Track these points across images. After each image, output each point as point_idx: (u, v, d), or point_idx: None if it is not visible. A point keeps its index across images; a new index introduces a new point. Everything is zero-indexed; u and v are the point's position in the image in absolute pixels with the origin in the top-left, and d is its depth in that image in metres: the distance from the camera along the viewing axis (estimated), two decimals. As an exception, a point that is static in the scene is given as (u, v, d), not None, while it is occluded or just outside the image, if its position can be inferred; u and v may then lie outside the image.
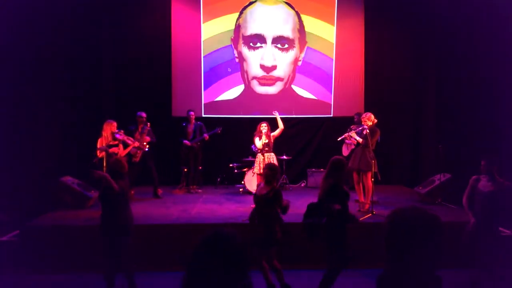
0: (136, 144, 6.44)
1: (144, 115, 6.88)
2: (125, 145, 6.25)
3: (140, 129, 6.78)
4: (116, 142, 6.00)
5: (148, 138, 6.74)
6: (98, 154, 5.76)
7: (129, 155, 6.57)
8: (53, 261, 4.90)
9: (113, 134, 5.92)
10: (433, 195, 6.48)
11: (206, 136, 7.31)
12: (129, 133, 6.57)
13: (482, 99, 6.96)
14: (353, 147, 7.23)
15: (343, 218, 3.83)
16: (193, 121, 7.44)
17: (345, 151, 7.64)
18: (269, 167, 4.31)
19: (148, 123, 6.80)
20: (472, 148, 6.82)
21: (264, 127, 6.30)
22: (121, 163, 4.18)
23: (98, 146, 5.86)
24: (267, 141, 6.25)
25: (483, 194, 4.13)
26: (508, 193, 4.00)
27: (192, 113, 7.47)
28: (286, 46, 8.49)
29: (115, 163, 4.19)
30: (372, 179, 5.79)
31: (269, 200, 4.05)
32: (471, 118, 7.10)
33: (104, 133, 5.91)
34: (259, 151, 6.34)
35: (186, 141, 7.29)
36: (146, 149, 6.69)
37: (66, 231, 5.15)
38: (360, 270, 4.71)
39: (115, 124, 6.02)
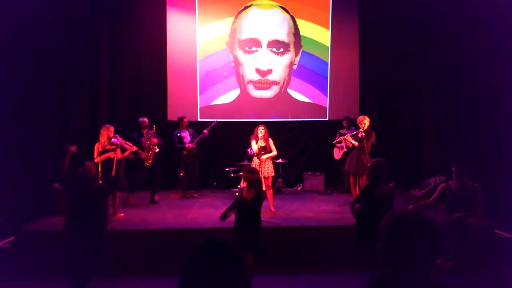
0: (134, 148, 6.41)
1: (146, 120, 6.87)
2: (123, 150, 6.23)
3: (145, 134, 6.78)
4: (113, 147, 5.97)
5: (155, 140, 6.75)
6: (95, 159, 5.73)
7: (141, 160, 6.58)
8: (48, 267, 4.85)
9: (109, 138, 5.88)
10: (428, 197, 6.48)
11: (205, 132, 7.30)
12: (135, 141, 6.56)
13: (481, 100, 6.98)
14: (345, 150, 7.26)
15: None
16: (186, 127, 7.43)
17: (337, 155, 7.67)
18: (247, 170, 4.27)
19: (154, 126, 6.79)
20: (470, 150, 6.85)
21: (261, 131, 6.24)
22: (88, 168, 4.22)
23: (95, 151, 5.83)
24: (264, 144, 6.20)
25: (456, 197, 4.37)
26: (479, 194, 4.31)
27: (185, 120, 7.46)
28: (282, 50, 8.52)
29: (84, 169, 4.22)
30: (368, 182, 5.79)
31: (256, 204, 4.06)
32: (470, 120, 7.12)
33: (101, 138, 5.89)
34: (255, 154, 6.31)
35: (188, 145, 7.27)
36: (157, 151, 6.70)
37: (60, 236, 5.10)
38: (357, 273, 4.69)
39: (112, 128, 5.99)
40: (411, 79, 8.30)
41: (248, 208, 4.06)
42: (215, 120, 7.50)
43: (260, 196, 4.10)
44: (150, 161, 6.64)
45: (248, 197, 4.09)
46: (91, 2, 7.66)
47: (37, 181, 6.41)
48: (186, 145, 7.27)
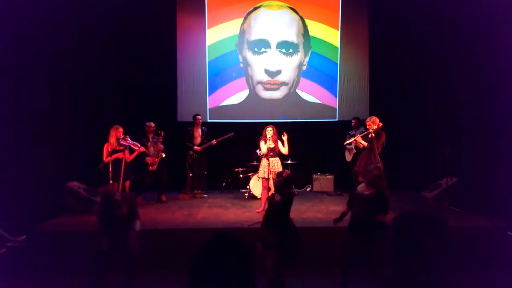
0: (142, 149, 6.47)
1: (153, 124, 6.95)
2: (131, 151, 6.29)
3: (151, 139, 6.84)
4: (122, 148, 6.03)
5: (162, 146, 6.82)
6: (104, 159, 5.80)
7: (146, 164, 6.64)
8: (59, 266, 4.91)
9: (118, 139, 5.94)
10: (440, 199, 6.43)
11: (214, 142, 7.34)
12: (141, 144, 6.63)
13: (489, 100, 6.89)
14: (354, 151, 7.21)
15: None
16: (200, 125, 7.48)
17: (348, 157, 7.63)
18: (278, 175, 4.28)
19: (162, 132, 6.88)
20: (479, 151, 6.76)
21: (269, 131, 6.23)
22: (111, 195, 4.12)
23: (105, 151, 5.91)
24: (272, 145, 6.19)
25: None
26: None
27: (199, 117, 7.51)
28: (291, 50, 8.51)
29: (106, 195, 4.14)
30: (378, 183, 5.74)
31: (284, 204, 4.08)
32: (479, 120, 7.04)
33: (110, 139, 5.96)
34: (264, 155, 6.30)
35: (196, 147, 7.32)
36: (163, 156, 6.77)
37: (72, 236, 5.17)
38: (365, 275, 4.66)
39: (121, 129, 6.05)
40: (421, 79, 8.22)
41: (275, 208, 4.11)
42: (231, 133, 7.49)
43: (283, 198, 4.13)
44: (155, 166, 6.69)
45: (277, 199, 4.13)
46: (101, 3, 7.73)
47: (48, 181, 6.50)
48: (195, 147, 7.31)
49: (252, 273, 1.35)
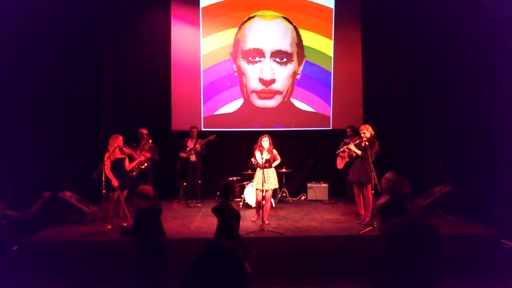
0: (142, 158, 6.47)
1: (145, 131, 6.95)
2: (131, 159, 6.27)
3: (141, 146, 6.83)
4: (123, 156, 6.00)
5: (148, 155, 6.77)
6: (106, 170, 5.73)
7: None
8: (51, 277, 4.84)
9: (120, 148, 5.91)
10: (433, 207, 6.45)
11: (198, 146, 7.33)
12: (132, 149, 6.63)
13: (482, 110, 6.97)
14: (347, 159, 7.23)
15: None
16: (195, 137, 7.48)
17: (340, 164, 7.65)
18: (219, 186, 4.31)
19: (150, 140, 6.87)
20: (473, 159, 6.82)
21: (265, 142, 6.09)
22: (146, 189, 4.09)
23: (105, 160, 5.84)
24: (268, 157, 6.05)
25: None
26: None
27: (194, 129, 7.53)
28: (285, 60, 8.57)
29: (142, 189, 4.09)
30: (373, 192, 5.77)
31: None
32: (471, 129, 7.10)
33: (110, 148, 5.91)
34: (259, 166, 6.18)
35: (181, 154, 7.34)
36: (144, 166, 6.68)
37: (64, 246, 5.11)
38: (361, 284, 4.65)
39: (121, 138, 6.01)
40: (414, 87, 8.31)
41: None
42: (211, 135, 7.46)
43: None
44: (135, 173, 6.62)
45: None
46: (96, 13, 7.77)
47: (40, 190, 6.43)
48: (180, 154, 7.34)
49: (245, 283, 1.35)
